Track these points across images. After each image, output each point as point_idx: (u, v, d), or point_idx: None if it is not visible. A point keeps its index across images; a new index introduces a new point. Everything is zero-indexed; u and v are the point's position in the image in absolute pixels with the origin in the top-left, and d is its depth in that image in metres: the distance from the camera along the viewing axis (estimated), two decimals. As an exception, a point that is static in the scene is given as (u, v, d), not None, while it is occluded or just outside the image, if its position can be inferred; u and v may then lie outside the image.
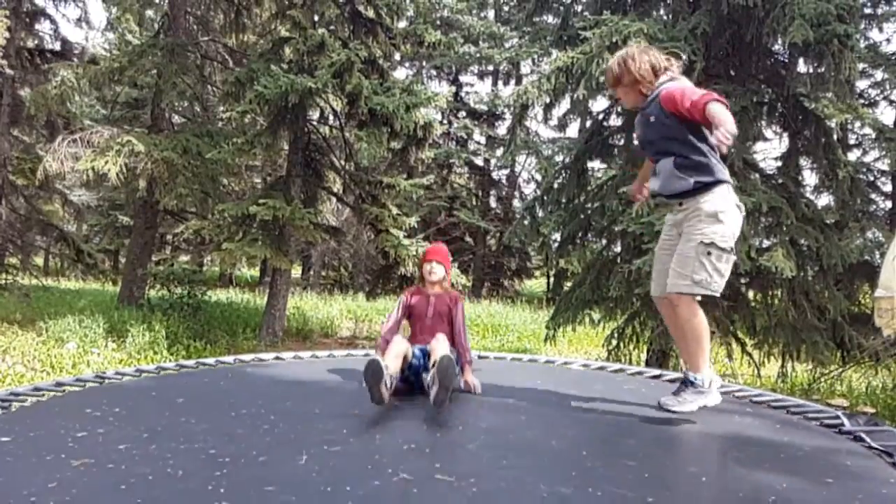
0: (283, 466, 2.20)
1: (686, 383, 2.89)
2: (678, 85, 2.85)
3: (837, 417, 3.11)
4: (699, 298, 2.85)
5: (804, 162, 8.71)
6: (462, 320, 3.56)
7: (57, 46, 13.51)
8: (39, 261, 23.09)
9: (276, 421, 2.76)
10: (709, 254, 2.74)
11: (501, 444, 2.64)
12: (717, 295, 2.83)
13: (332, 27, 10.95)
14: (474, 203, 23.45)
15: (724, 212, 2.79)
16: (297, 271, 24.70)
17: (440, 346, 3.08)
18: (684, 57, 7.33)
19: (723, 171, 2.85)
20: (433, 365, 2.93)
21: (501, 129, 22.92)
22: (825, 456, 2.58)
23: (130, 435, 2.49)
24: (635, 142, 6.38)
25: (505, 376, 3.85)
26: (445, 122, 21.88)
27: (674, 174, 2.83)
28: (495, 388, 3.54)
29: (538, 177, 22.28)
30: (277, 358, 4.51)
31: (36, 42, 13.63)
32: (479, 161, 23.43)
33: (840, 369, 8.11)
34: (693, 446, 2.69)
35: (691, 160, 2.81)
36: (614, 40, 7.10)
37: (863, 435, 2.81)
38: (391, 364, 3.03)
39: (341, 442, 2.50)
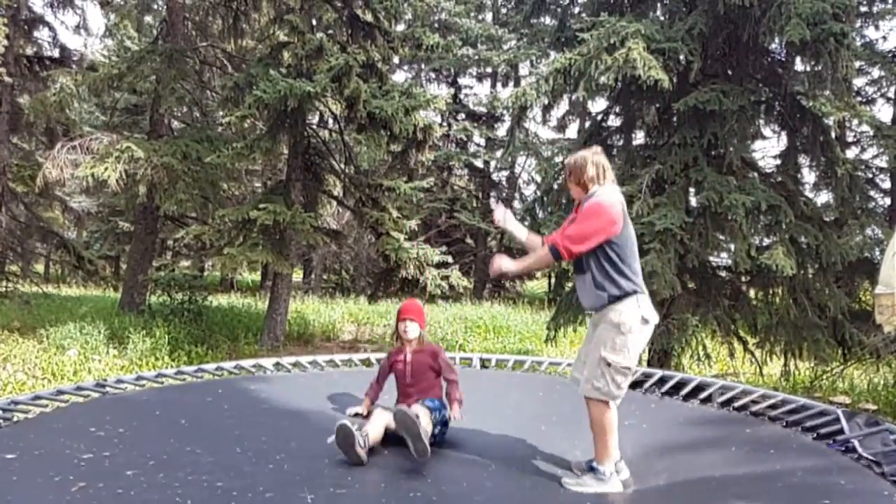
0: (290, 504, 2.21)
1: (590, 469, 3.05)
2: (590, 203, 3.08)
3: (837, 420, 3.12)
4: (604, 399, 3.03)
5: (803, 160, 8.71)
6: (447, 367, 3.58)
7: (56, 53, 13.54)
8: (40, 268, 23.11)
9: (282, 461, 2.77)
10: (608, 365, 2.96)
11: (506, 486, 2.66)
12: (615, 400, 3.02)
13: (330, 31, 10.96)
14: (475, 205, 23.44)
15: (625, 324, 2.97)
16: (298, 275, 24.69)
17: (415, 409, 3.16)
18: (682, 57, 7.36)
19: (633, 283, 3.03)
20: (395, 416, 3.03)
21: (501, 131, 22.93)
22: (820, 477, 2.59)
23: (137, 461, 2.50)
24: None
25: (507, 398, 3.83)
26: (445, 124, 21.87)
27: (592, 289, 3.05)
28: (498, 422, 3.50)
29: (538, 178, 22.28)
30: (278, 364, 4.51)
31: (35, 49, 13.65)
32: (478, 163, 23.43)
33: (842, 367, 8.11)
34: (690, 472, 2.70)
35: (604, 275, 3.01)
36: (612, 41, 7.11)
37: (855, 444, 2.83)
38: (371, 432, 3.10)
39: (347, 485, 2.53)
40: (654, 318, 3.07)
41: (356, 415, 3.60)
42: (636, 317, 2.98)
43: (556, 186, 9.27)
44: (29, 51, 13.40)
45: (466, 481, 2.83)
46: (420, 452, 2.91)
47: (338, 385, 4.09)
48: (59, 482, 2.19)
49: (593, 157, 3.24)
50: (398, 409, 3.06)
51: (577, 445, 3.11)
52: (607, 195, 3.09)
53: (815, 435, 3.15)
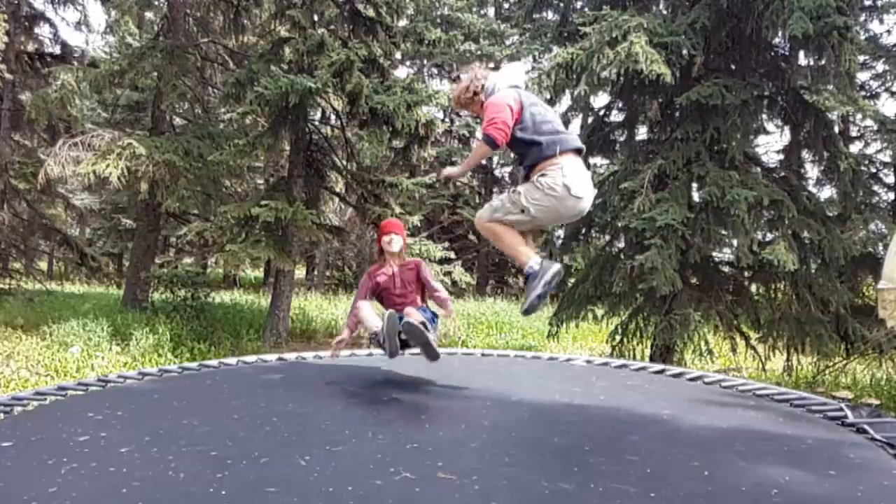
0: (285, 467, 2.20)
1: (527, 276, 3.13)
2: (486, 103, 3.19)
3: (841, 409, 3.11)
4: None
5: (806, 155, 8.68)
6: (430, 277, 3.79)
7: (57, 50, 13.54)
8: (43, 265, 23.14)
9: (278, 423, 2.76)
10: (517, 194, 3.14)
11: (503, 441, 2.64)
12: (501, 220, 3.19)
13: (331, 27, 10.93)
14: (477, 201, 23.41)
15: (544, 183, 3.08)
16: (301, 272, 24.70)
17: (413, 314, 3.38)
18: (684, 52, 7.34)
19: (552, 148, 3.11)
20: (403, 326, 3.24)
21: (503, 127, 22.88)
22: (827, 448, 2.58)
23: (132, 438, 2.49)
24: None
25: (508, 373, 3.85)
26: (447, 120, 21.85)
27: (524, 173, 3.25)
28: (498, 385, 3.54)
29: (540, 173, 22.24)
30: (280, 359, 4.52)
31: (36, 46, 13.66)
32: (481, 159, 23.40)
33: (844, 362, 8.09)
34: (696, 441, 2.69)
35: (529, 156, 3.15)
36: (614, 35, 7.10)
37: (866, 427, 2.81)
38: (372, 318, 3.44)
39: (343, 442, 2.50)
40: (584, 190, 3.08)
41: (340, 342, 3.72)
42: (558, 183, 3.03)
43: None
44: (30, 47, 13.41)
45: (464, 423, 2.83)
46: (432, 357, 3.22)
47: (340, 368, 4.11)
48: (53, 465, 2.19)
49: (463, 82, 3.33)
50: (405, 321, 3.22)
51: (588, 414, 3.09)
52: (496, 96, 3.17)
53: (822, 416, 3.14)
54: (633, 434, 2.69)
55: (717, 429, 2.84)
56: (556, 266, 3.08)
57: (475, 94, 3.27)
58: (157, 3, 15.72)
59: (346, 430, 2.66)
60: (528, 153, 3.12)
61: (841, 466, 2.35)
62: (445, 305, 3.68)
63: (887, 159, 11.18)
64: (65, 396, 3.31)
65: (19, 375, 7.72)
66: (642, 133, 9.45)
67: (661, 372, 4.27)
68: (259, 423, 2.74)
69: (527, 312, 3.11)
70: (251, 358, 4.52)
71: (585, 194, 3.08)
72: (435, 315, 3.69)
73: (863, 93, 11.50)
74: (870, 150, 12.13)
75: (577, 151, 3.12)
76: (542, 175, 3.05)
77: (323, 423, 2.78)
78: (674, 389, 3.74)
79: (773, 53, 8.28)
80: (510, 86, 3.23)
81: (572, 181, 3.03)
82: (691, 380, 4.05)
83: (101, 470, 2.15)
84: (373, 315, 3.50)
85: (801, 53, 7.69)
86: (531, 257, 3.11)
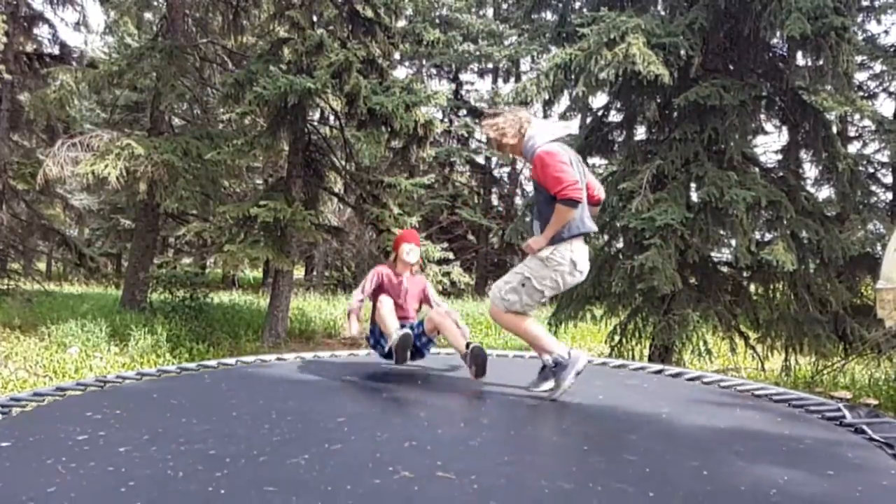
0: (284, 466, 2.20)
1: (554, 364, 3.26)
2: (535, 157, 3.27)
3: (839, 410, 3.12)
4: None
5: (804, 155, 8.69)
6: (434, 295, 4.05)
7: (56, 50, 13.52)
8: (42, 265, 23.13)
9: (277, 420, 2.76)
10: (525, 281, 3.28)
11: (502, 440, 2.64)
12: (513, 309, 3.32)
13: (330, 27, 10.94)
14: (476, 201, 23.43)
15: (553, 259, 3.24)
16: (300, 272, 24.68)
17: (449, 325, 3.64)
18: (682, 52, 7.35)
19: (569, 229, 3.22)
20: (467, 351, 3.49)
21: (502, 127, 22.86)
22: (826, 448, 2.59)
23: (131, 437, 2.49)
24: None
25: (507, 373, 3.86)
26: (446, 120, 21.85)
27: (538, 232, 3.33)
28: (497, 384, 3.55)
29: (539, 174, 22.24)
30: (279, 359, 4.52)
31: (34, 46, 13.63)
32: (480, 159, 23.40)
33: (843, 362, 8.10)
34: (694, 440, 2.69)
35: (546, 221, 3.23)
36: (612, 36, 7.10)
37: (864, 427, 2.81)
38: (393, 321, 3.64)
39: (342, 440, 2.50)
40: (585, 266, 3.30)
41: (349, 337, 4.04)
42: (566, 258, 3.21)
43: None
44: (29, 48, 13.38)
45: (463, 422, 2.85)
46: (481, 375, 3.46)
47: (338, 367, 4.12)
48: (52, 464, 2.19)
49: (506, 117, 3.38)
50: (474, 346, 3.48)
51: (574, 397, 3.09)
52: (552, 151, 3.23)
53: (820, 416, 3.15)
54: (632, 434, 2.70)
55: (715, 429, 2.84)
56: (585, 356, 3.26)
57: (519, 139, 3.36)
58: (156, 3, 15.74)
59: (345, 428, 2.66)
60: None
61: (840, 466, 2.35)
62: (455, 320, 3.82)
63: (885, 159, 11.21)
64: (63, 397, 3.31)
65: (17, 376, 7.71)
66: (641, 133, 9.45)
67: (659, 372, 4.28)
68: (258, 421, 2.74)
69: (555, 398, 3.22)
70: (250, 358, 4.53)
71: (585, 269, 3.33)
72: (430, 340, 3.87)
73: (861, 93, 11.52)
74: (868, 150, 12.17)
75: (587, 235, 3.32)
76: (553, 252, 3.21)
77: (321, 422, 2.79)
78: (672, 389, 3.75)
79: (771, 54, 8.29)
80: (553, 139, 3.34)
81: (578, 257, 3.26)
82: (690, 380, 4.06)
83: (99, 469, 2.15)
84: (393, 319, 3.66)
85: (799, 54, 7.69)
86: (560, 346, 3.28)
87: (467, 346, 3.52)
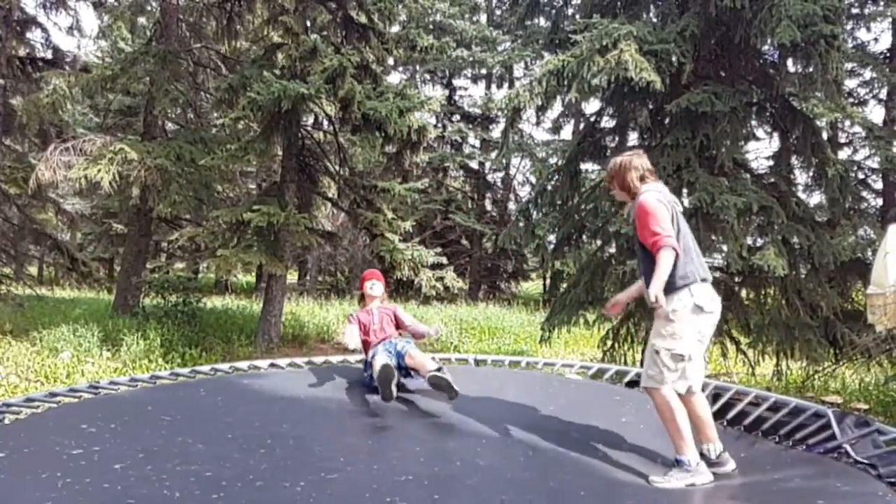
0: (280, 492, 2.19)
1: (676, 462, 3.05)
2: (637, 206, 3.19)
3: (829, 425, 3.14)
4: (663, 388, 3.08)
5: (795, 161, 8.76)
6: (404, 317, 4.49)
7: (48, 55, 13.48)
8: (33, 270, 23.02)
9: (273, 445, 2.74)
10: (657, 353, 3.08)
11: (497, 482, 2.63)
12: (665, 386, 3.06)
13: (324, 33, 10.96)
14: (470, 206, 23.46)
15: (675, 311, 3.06)
16: (293, 276, 24.65)
17: (416, 354, 4.03)
18: (674, 59, 7.39)
19: (684, 275, 3.09)
20: (429, 380, 3.76)
21: (496, 133, 22.93)
22: (813, 480, 2.61)
23: (126, 454, 2.47)
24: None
25: (502, 394, 3.85)
26: (440, 125, 21.89)
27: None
28: (495, 416, 3.52)
29: (533, 179, 22.31)
30: (273, 365, 4.52)
31: (27, 51, 13.59)
32: (473, 164, 23.45)
33: (833, 366, 8.14)
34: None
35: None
36: (604, 43, 7.14)
37: (848, 449, 2.85)
38: (382, 361, 3.87)
39: (338, 469, 2.49)
40: (713, 305, 3.12)
41: (353, 350, 4.27)
42: (687, 305, 3.04)
43: (549, 188, 9.30)
44: (21, 52, 13.34)
45: (459, 461, 2.83)
46: (454, 395, 3.67)
47: (332, 377, 4.12)
48: (47, 479, 2.17)
49: (632, 160, 3.30)
50: (431, 374, 3.72)
51: (571, 435, 3.10)
52: (648, 197, 3.17)
53: (807, 438, 3.17)
54: (628, 473, 2.70)
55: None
56: (708, 477, 2.98)
57: (638, 184, 3.26)
58: (149, 8, 15.69)
59: (341, 457, 2.66)
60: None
61: (829, 495, 2.38)
62: (422, 336, 4.43)
63: (875, 165, 11.29)
64: (57, 404, 3.29)
65: (8, 381, 7.67)
66: (633, 139, 9.50)
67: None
68: (254, 444, 2.73)
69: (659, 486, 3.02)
70: (243, 364, 4.52)
71: (716, 309, 3.14)
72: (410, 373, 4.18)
73: (851, 100, 11.61)
74: (858, 157, 12.25)
75: (703, 280, 3.13)
76: (673, 311, 3.03)
77: (317, 448, 2.77)
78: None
79: (761, 61, 8.35)
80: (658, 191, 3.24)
81: (701, 300, 3.07)
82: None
83: (95, 486, 2.13)
84: (384, 355, 3.96)
85: (790, 61, 7.76)
86: (692, 450, 3.03)
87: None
